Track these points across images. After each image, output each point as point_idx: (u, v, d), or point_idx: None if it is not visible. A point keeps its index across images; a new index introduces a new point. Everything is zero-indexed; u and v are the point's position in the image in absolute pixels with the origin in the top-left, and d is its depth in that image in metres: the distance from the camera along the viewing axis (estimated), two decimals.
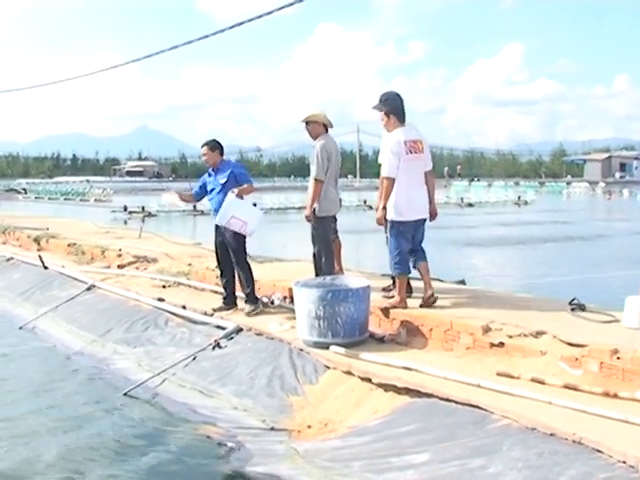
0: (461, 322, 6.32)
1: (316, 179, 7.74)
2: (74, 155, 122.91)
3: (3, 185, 64.85)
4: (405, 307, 7.04)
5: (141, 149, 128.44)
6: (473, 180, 78.12)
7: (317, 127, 7.94)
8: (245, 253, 8.28)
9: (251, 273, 8.26)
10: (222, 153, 8.33)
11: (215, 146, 8.26)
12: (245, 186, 8.07)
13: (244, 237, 8.12)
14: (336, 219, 8.71)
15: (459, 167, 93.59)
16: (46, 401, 6.95)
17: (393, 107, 7.14)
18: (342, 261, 8.78)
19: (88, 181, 77.02)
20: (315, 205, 7.81)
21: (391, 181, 7.00)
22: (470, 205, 43.79)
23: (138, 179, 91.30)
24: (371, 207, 31.57)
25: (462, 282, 8.99)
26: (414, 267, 7.29)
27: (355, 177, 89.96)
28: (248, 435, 5.84)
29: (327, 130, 8.26)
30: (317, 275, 7.86)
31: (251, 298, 8.19)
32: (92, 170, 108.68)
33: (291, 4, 10.97)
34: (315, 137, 7.94)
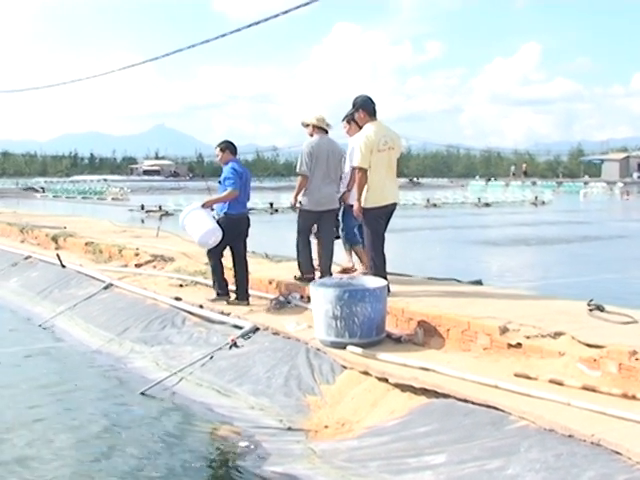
0: (478, 322, 6.30)
1: (297, 173, 8.54)
2: (91, 154, 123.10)
3: (21, 184, 65.12)
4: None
5: (158, 148, 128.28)
6: (490, 180, 77.68)
7: (310, 129, 8.58)
8: (245, 250, 8.86)
9: (246, 272, 8.84)
10: (233, 152, 8.86)
11: (225, 147, 8.84)
12: (222, 195, 8.55)
13: (244, 237, 8.78)
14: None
15: (525, 165, 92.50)
16: (63, 400, 6.99)
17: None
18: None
19: (105, 180, 77.09)
20: (301, 198, 8.43)
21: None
22: (487, 205, 43.56)
23: (155, 178, 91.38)
24: None
25: (479, 282, 8.95)
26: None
27: None
28: (265, 435, 5.85)
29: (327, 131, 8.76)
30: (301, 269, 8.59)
31: (241, 293, 8.79)
32: (109, 169, 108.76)
33: (307, 3, 10.96)
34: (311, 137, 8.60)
